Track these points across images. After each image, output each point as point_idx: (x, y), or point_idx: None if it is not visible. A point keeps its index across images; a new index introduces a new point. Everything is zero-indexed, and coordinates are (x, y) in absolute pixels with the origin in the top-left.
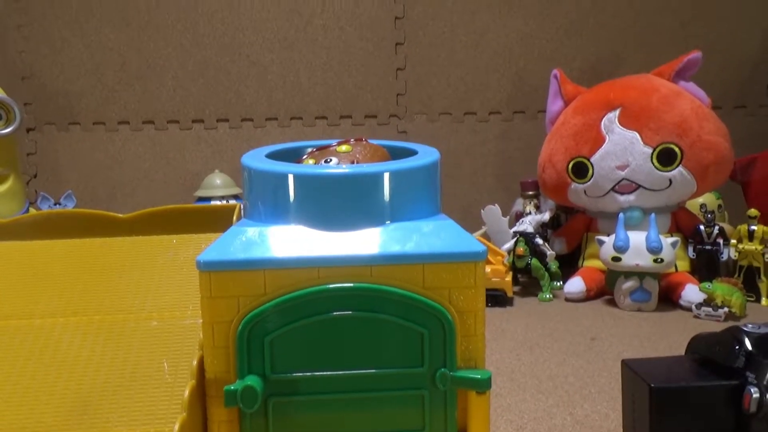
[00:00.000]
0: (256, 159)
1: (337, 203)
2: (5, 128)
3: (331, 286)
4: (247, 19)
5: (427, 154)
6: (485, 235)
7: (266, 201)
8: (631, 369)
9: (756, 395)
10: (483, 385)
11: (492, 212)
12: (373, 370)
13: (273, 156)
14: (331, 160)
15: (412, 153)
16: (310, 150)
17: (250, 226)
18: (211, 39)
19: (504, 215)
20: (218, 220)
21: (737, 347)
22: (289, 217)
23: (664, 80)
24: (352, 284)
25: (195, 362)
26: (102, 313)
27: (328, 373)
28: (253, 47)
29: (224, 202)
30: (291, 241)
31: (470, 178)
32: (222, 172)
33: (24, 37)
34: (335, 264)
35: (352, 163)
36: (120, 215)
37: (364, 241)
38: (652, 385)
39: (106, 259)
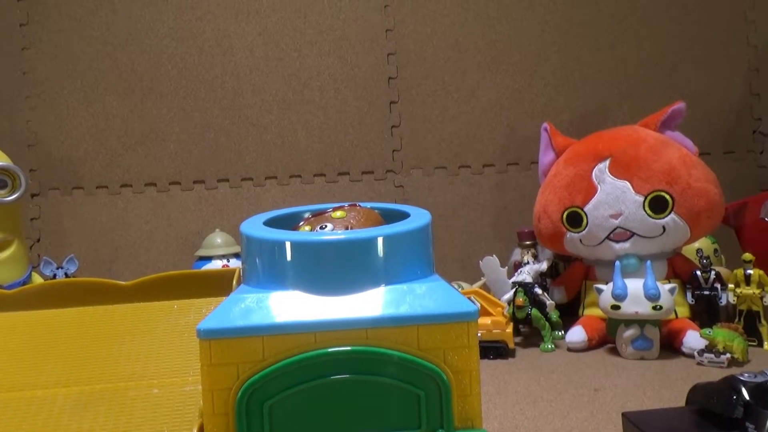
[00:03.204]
0: (254, 226)
1: (332, 268)
2: (10, 195)
3: (329, 350)
4: (246, 83)
5: (418, 217)
6: (484, 286)
7: (264, 267)
8: (631, 422)
9: None
10: None
11: (490, 263)
12: None
13: (271, 222)
14: (326, 226)
15: (404, 215)
16: (306, 216)
17: (249, 293)
18: (211, 103)
19: (502, 265)
20: (218, 285)
21: (735, 397)
22: (286, 283)
23: (651, 130)
24: (349, 347)
25: (195, 430)
26: (104, 381)
27: None
28: (252, 109)
29: (225, 260)
30: (288, 306)
31: (467, 229)
32: (223, 231)
33: (31, 108)
34: (332, 328)
35: (347, 228)
36: (122, 282)
37: (360, 305)
38: None
39: (108, 327)
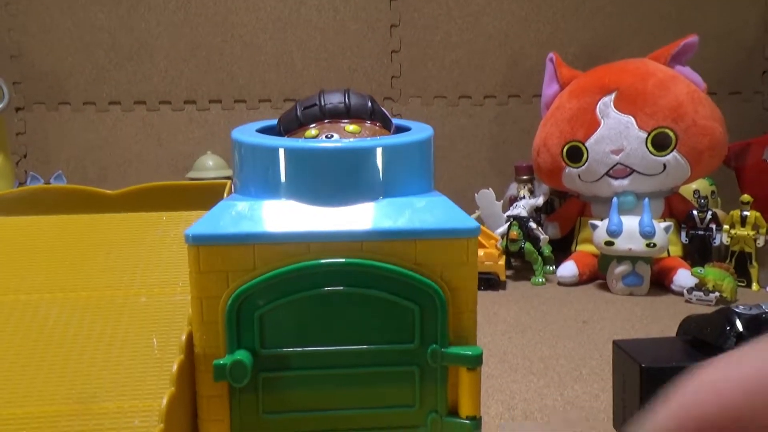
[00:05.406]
0: (247, 133)
1: (328, 178)
2: None
3: (322, 261)
4: None
5: (420, 131)
6: (479, 219)
7: (257, 176)
8: (622, 349)
9: None
10: (474, 362)
11: (486, 196)
12: (364, 347)
13: (265, 131)
14: (332, 135)
15: (405, 130)
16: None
17: (241, 201)
18: (203, 18)
19: (498, 199)
20: (209, 197)
21: (728, 328)
22: (280, 192)
23: (660, 65)
24: (343, 260)
25: (184, 337)
26: (89, 289)
27: (319, 348)
28: (246, 28)
29: None
30: (282, 215)
31: (464, 161)
32: (214, 154)
33: (12, 15)
34: (326, 239)
35: None
36: (109, 192)
37: (356, 217)
38: (643, 365)
39: (94, 236)
